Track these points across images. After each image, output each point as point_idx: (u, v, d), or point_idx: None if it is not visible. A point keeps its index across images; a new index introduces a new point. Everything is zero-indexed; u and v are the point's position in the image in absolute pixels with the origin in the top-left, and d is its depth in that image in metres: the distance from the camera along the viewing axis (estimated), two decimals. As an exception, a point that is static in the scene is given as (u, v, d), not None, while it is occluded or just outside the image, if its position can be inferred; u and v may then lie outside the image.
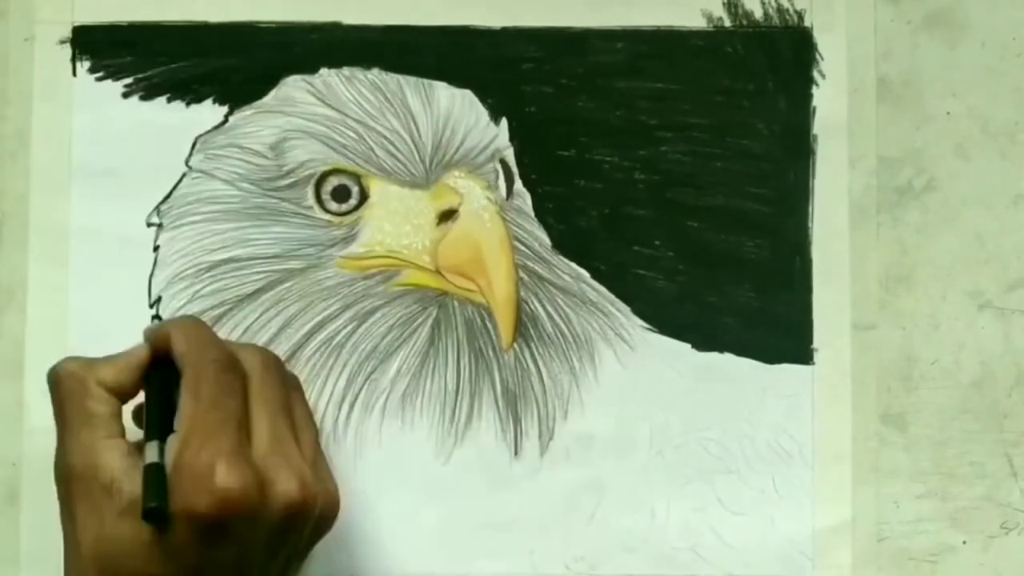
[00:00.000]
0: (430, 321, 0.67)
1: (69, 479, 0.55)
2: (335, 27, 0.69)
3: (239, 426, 0.55)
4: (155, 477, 0.54)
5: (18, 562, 0.66)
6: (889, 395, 0.68)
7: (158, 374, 0.59)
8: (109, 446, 0.55)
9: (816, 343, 0.68)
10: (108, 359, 0.59)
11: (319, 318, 0.67)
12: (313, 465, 0.57)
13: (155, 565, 0.53)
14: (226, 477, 0.53)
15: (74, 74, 0.68)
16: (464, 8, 0.69)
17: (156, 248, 0.68)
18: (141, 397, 0.59)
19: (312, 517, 0.56)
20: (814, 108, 0.69)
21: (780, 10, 0.70)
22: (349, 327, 0.67)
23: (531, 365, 0.68)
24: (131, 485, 0.54)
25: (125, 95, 0.68)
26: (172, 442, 0.55)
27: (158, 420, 0.57)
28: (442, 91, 0.68)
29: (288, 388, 0.60)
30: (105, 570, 0.53)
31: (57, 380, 0.58)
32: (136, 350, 0.59)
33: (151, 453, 0.55)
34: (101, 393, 0.57)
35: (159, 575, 0.53)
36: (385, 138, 0.67)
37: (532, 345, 0.68)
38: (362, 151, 0.67)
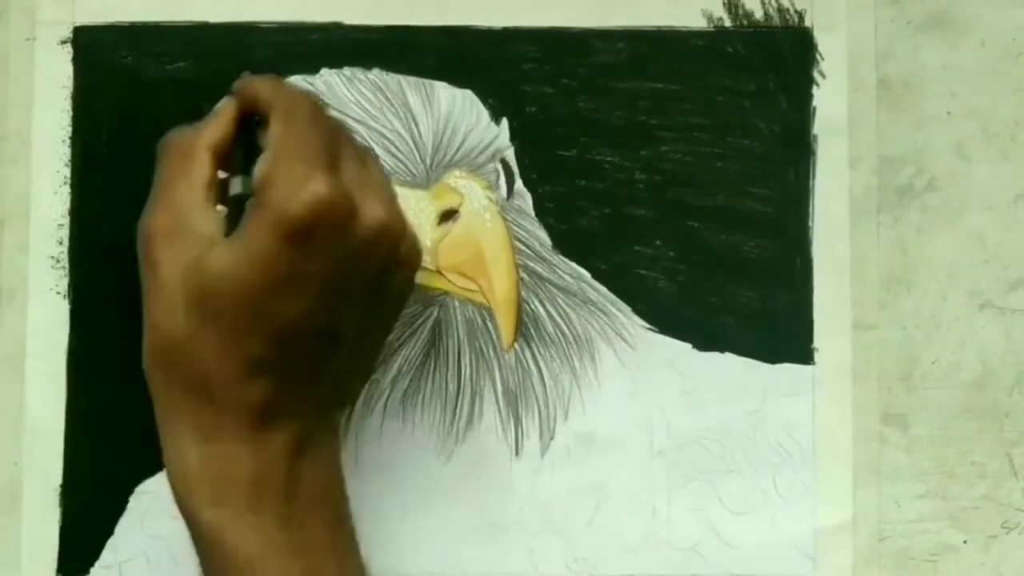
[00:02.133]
0: (431, 321, 0.67)
1: (154, 235, 0.55)
2: (335, 27, 0.69)
3: (330, 149, 0.54)
4: (239, 204, 0.54)
5: (19, 563, 0.66)
6: (890, 395, 0.68)
7: (246, 120, 0.58)
8: (207, 208, 0.55)
9: (817, 343, 0.68)
10: (206, 122, 0.58)
11: (320, 318, 0.67)
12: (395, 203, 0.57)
13: (245, 282, 0.52)
14: (319, 184, 0.52)
15: (75, 75, 0.68)
16: (465, 8, 0.69)
17: (157, 248, 0.67)
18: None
19: (398, 247, 0.56)
20: (814, 108, 0.69)
21: (780, 10, 0.70)
22: (350, 327, 0.67)
23: (532, 365, 0.68)
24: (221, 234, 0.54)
25: (126, 96, 0.68)
26: (261, 162, 0.54)
27: (244, 160, 0.56)
28: (443, 91, 0.68)
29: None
30: (192, 300, 0.52)
31: (168, 147, 0.57)
32: (223, 107, 0.58)
33: (236, 185, 0.55)
34: (205, 156, 0.56)
35: (249, 289, 0.52)
36: (386, 138, 0.67)
37: (533, 345, 0.68)
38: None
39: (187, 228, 0.54)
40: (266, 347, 0.52)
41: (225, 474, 0.53)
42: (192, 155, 0.56)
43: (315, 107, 0.57)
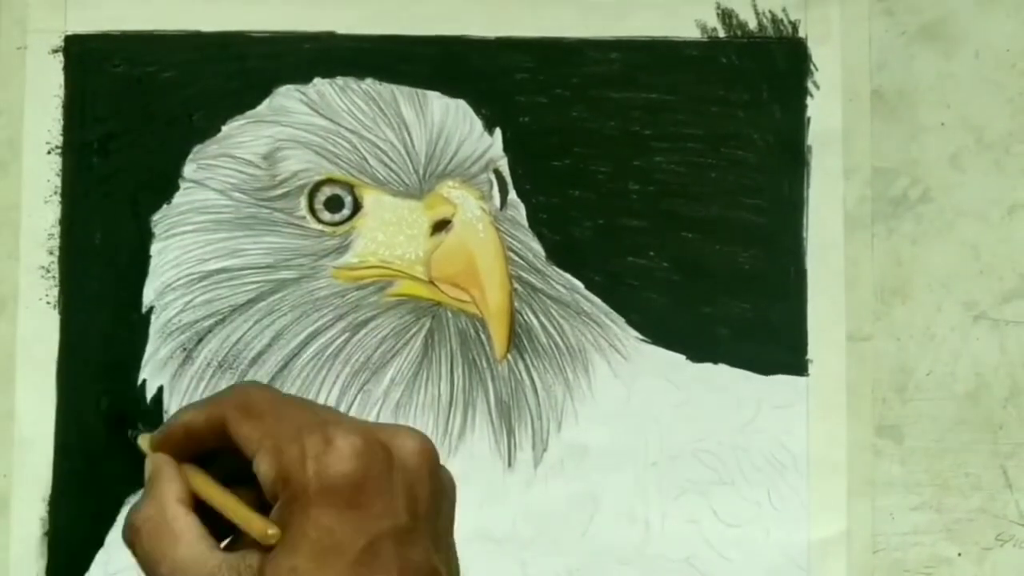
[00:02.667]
0: (424, 332, 0.67)
1: None
2: (329, 37, 0.69)
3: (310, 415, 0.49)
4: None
5: (8, 571, 0.66)
6: (884, 406, 0.68)
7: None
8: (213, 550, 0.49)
9: (811, 354, 0.68)
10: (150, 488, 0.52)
11: (312, 328, 0.67)
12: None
13: (330, 571, 0.45)
14: (345, 436, 0.47)
15: (66, 84, 0.68)
16: (458, 19, 0.69)
17: (148, 258, 0.67)
18: None
19: (438, 473, 0.50)
20: (808, 119, 0.69)
21: (774, 21, 0.69)
22: (342, 338, 0.67)
23: (525, 376, 0.67)
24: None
25: (117, 104, 0.68)
26: (261, 461, 0.48)
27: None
28: (436, 101, 0.68)
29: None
30: None
31: (136, 529, 0.51)
32: (156, 466, 0.52)
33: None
34: (181, 510, 0.50)
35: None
36: (379, 148, 0.67)
37: (526, 356, 0.67)
38: (355, 161, 0.67)
39: (214, 572, 0.48)
40: None
41: None
42: (168, 519, 0.50)
43: (264, 388, 0.51)
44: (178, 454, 0.51)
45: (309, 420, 0.48)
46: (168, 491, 0.51)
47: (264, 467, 0.48)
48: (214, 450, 0.51)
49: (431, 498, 0.49)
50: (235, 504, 0.49)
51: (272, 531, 0.46)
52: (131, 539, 0.51)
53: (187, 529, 0.49)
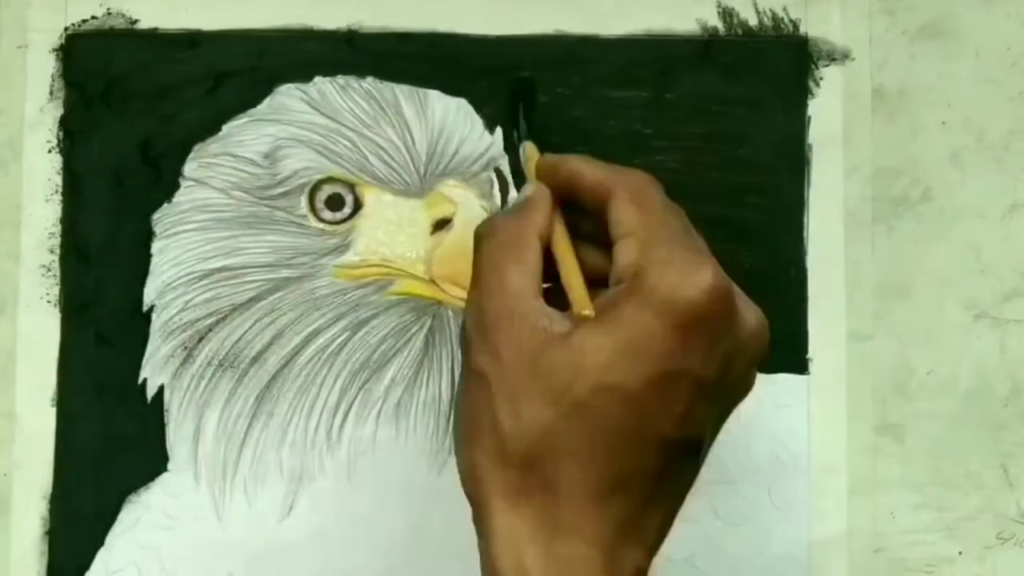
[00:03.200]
0: (424, 331, 0.67)
1: (492, 323, 0.49)
2: (330, 35, 0.69)
3: (692, 237, 0.52)
4: None
5: (8, 573, 0.66)
6: (885, 406, 0.68)
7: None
8: (540, 297, 0.50)
9: (811, 353, 0.68)
10: (526, 208, 0.54)
11: (313, 327, 0.67)
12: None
13: (620, 375, 0.47)
14: (710, 273, 0.47)
15: (67, 82, 0.68)
16: (459, 16, 0.69)
17: (149, 257, 0.67)
18: None
19: (766, 348, 0.51)
20: (809, 118, 0.69)
21: (775, 19, 0.69)
22: (343, 336, 0.67)
23: (526, 375, 0.67)
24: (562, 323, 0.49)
25: (118, 103, 0.68)
26: (624, 247, 0.50)
27: None
28: (437, 100, 0.68)
29: None
30: (549, 393, 0.47)
31: (492, 233, 0.53)
32: (536, 192, 0.55)
33: None
34: (536, 245, 0.52)
35: (624, 384, 0.47)
36: (379, 147, 0.67)
37: (527, 355, 0.67)
38: (356, 160, 0.67)
39: (526, 316, 0.49)
40: (631, 458, 0.47)
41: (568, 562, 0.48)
42: (523, 243, 0.52)
43: (659, 188, 0.53)
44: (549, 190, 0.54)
45: (687, 239, 0.51)
46: (534, 219, 0.53)
47: (626, 252, 0.50)
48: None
49: (740, 377, 0.50)
50: (575, 269, 0.52)
51: (587, 312, 0.49)
52: (479, 234, 0.54)
53: (532, 260, 0.51)
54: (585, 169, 0.54)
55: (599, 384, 0.47)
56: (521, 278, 0.51)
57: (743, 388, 0.52)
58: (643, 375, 0.47)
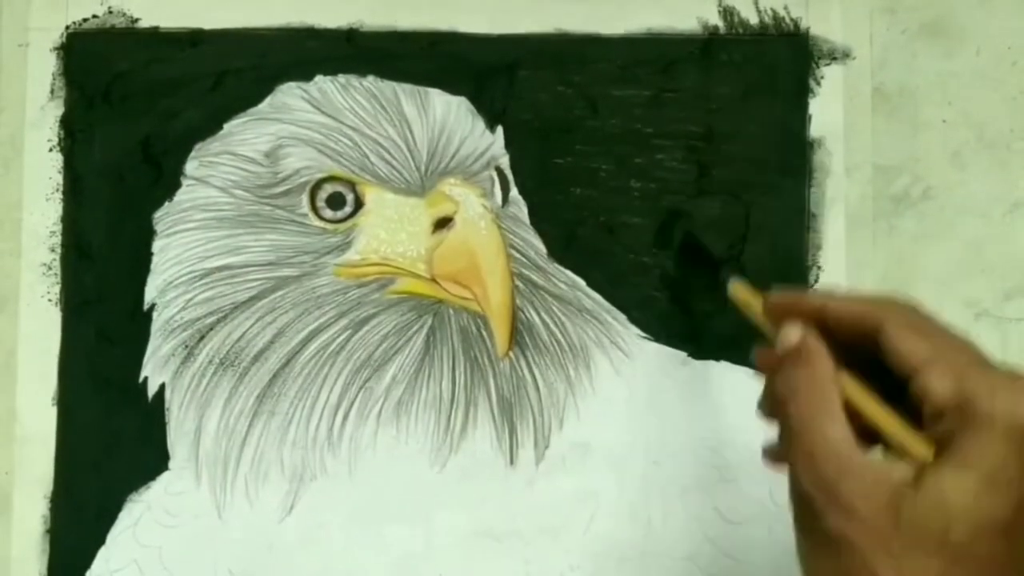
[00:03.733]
0: (425, 329, 0.67)
1: (835, 482, 0.49)
2: (331, 34, 0.69)
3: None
4: None
5: (9, 571, 0.66)
6: (886, 404, 0.68)
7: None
8: (856, 440, 0.50)
9: (813, 351, 0.68)
10: (804, 358, 0.53)
11: (314, 326, 0.67)
12: None
13: (989, 510, 0.47)
14: None
15: (68, 80, 0.68)
16: (460, 15, 0.69)
17: (150, 255, 0.67)
18: None
19: None
20: (810, 116, 0.69)
21: (776, 18, 0.70)
22: (344, 335, 0.67)
23: (527, 373, 0.67)
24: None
25: (119, 102, 0.68)
26: (935, 375, 0.49)
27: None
28: (438, 98, 0.68)
29: None
30: (926, 542, 0.47)
31: (796, 389, 0.52)
32: (801, 340, 0.53)
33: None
34: (837, 395, 0.51)
35: (996, 519, 0.47)
36: (380, 145, 0.67)
37: (528, 353, 0.67)
38: (357, 158, 0.67)
39: (867, 469, 0.49)
40: None
41: None
42: (828, 394, 0.51)
43: (925, 309, 0.54)
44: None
45: (982, 356, 0.51)
46: (825, 367, 0.52)
47: (938, 384, 0.49)
48: None
49: None
50: (889, 415, 0.50)
51: (926, 453, 0.48)
52: (783, 398, 0.52)
53: (840, 411, 0.50)
54: (834, 301, 0.54)
55: (975, 524, 0.46)
56: (843, 431, 0.50)
57: None
58: (1012, 503, 0.47)
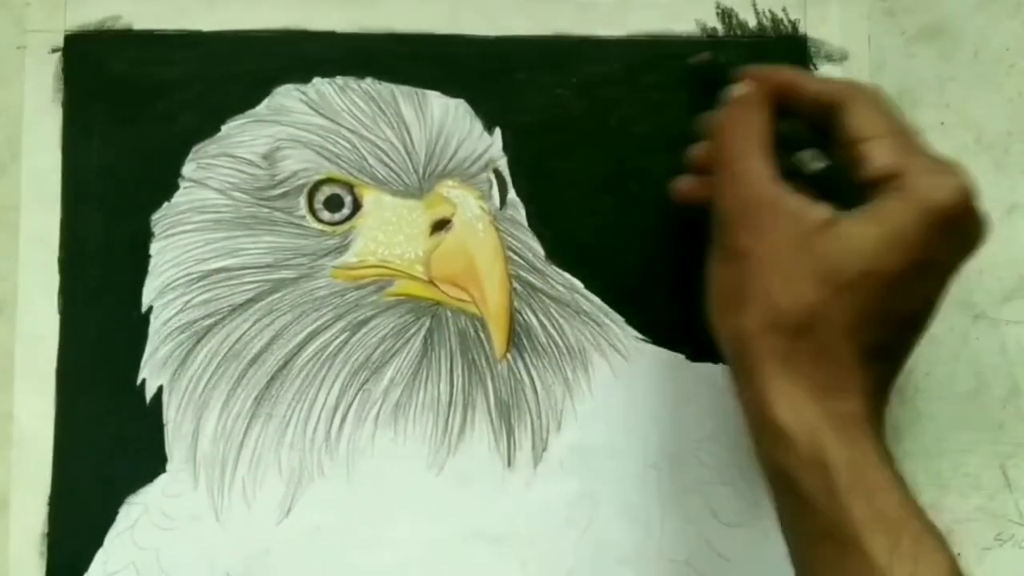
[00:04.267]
0: (423, 331, 0.67)
1: (755, 207, 0.56)
2: (329, 36, 0.69)
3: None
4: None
5: (7, 570, 0.66)
6: (884, 406, 0.68)
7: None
8: (786, 184, 0.57)
9: (811, 354, 0.68)
10: (740, 110, 0.60)
11: (311, 328, 0.67)
12: None
13: (883, 261, 0.54)
14: (963, 178, 0.55)
15: (66, 83, 0.68)
16: (458, 17, 0.69)
17: (148, 257, 0.67)
18: None
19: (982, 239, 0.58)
20: (808, 118, 0.69)
21: (774, 20, 0.70)
22: (342, 337, 0.67)
23: (524, 376, 0.67)
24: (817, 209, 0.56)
25: (117, 104, 0.68)
26: (877, 148, 0.56)
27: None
28: (435, 100, 0.68)
29: None
30: (819, 272, 0.54)
31: (724, 127, 0.60)
32: (749, 93, 0.61)
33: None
34: (766, 141, 0.59)
35: (886, 270, 0.54)
36: (378, 147, 0.67)
37: (526, 355, 0.67)
38: (355, 160, 0.67)
39: (786, 202, 0.56)
40: (890, 331, 0.55)
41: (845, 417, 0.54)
42: (760, 134, 0.58)
43: (881, 93, 0.60)
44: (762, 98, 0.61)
45: (920, 142, 0.57)
46: (760, 109, 0.60)
47: (879, 154, 0.56)
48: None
49: (963, 261, 0.57)
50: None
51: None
52: (716, 130, 0.60)
53: (767, 148, 0.58)
54: (800, 77, 0.61)
55: (866, 269, 0.54)
56: (767, 164, 0.57)
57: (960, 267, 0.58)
58: (904, 262, 0.54)
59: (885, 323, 0.54)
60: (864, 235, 0.54)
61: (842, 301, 0.54)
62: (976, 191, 0.55)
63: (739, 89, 0.61)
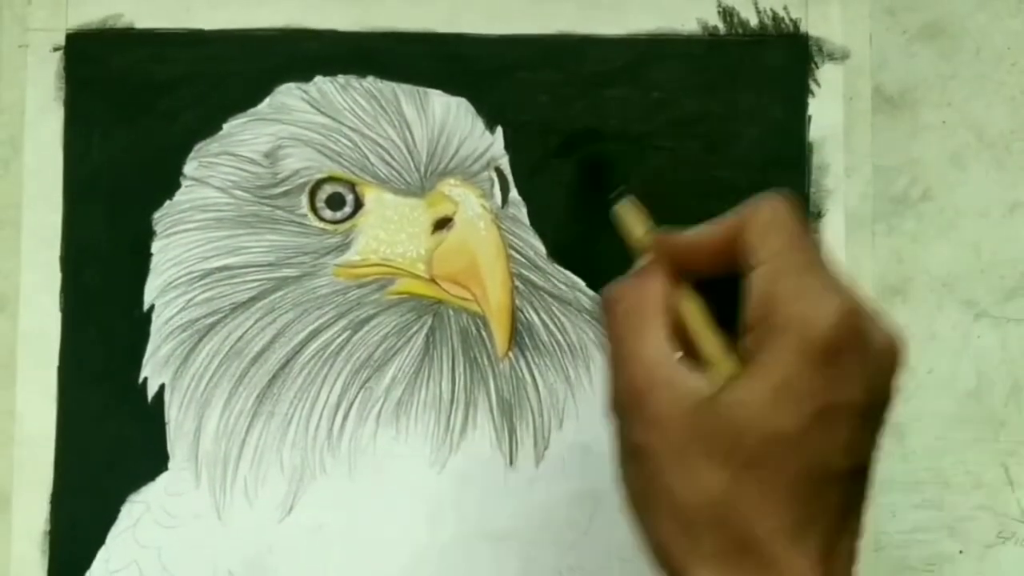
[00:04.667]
0: (425, 330, 0.67)
1: (641, 394, 0.49)
2: (331, 34, 0.69)
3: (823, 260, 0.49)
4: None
5: (8, 571, 0.66)
6: (885, 404, 0.68)
7: None
8: (675, 356, 0.49)
9: (812, 352, 0.68)
10: (643, 279, 0.52)
11: (314, 326, 0.67)
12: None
13: (778, 419, 0.46)
14: (840, 301, 0.46)
15: (67, 81, 0.68)
16: (459, 16, 0.69)
17: (150, 256, 0.67)
18: None
19: (901, 367, 0.49)
20: (809, 117, 0.69)
21: (776, 19, 0.70)
22: (343, 335, 0.67)
23: (526, 374, 0.67)
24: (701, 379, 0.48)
25: (118, 102, 0.68)
26: (755, 279, 0.48)
27: None
28: (437, 99, 0.68)
29: None
30: (717, 452, 0.46)
31: (613, 304, 0.52)
32: (650, 265, 0.53)
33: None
34: (660, 320, 0.51)
35: (783, 428, 0.46)
36: (380, 146, 0.67)
37: (527, 354, 0.67)
38: (357, 159, 0.67)
39: (673, 382, 0.48)
40: (817, 497, 0.47)
41: None
42: (649, 308, 0.51)
43: (791, 209, 0.51)
44: (670, 263, 0.52)
45: (821, 266, 0.48)
46: (654, 282, 0.51)
47: (755, 286, 0.48)
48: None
49: (884, 394, 0.49)
50: (713, 333, 0.50)
51: (727, 369, 0.48)
52: (605, 303, 0.53)
53: (660, 325, 0.50)
54: (699, 236, 0.52)
55: (763, 435, 0.46)
56: (658, 343, 0.50)
57: (889, 403, 0.50)
58: (802, 415, 0.46)
59: (804, 490, 0.46)
60: (750, 399, 0.46)
61: (748, 481, 0.46)
62: (868, 309, 0.48)
63: (638, 263, 0.54)
